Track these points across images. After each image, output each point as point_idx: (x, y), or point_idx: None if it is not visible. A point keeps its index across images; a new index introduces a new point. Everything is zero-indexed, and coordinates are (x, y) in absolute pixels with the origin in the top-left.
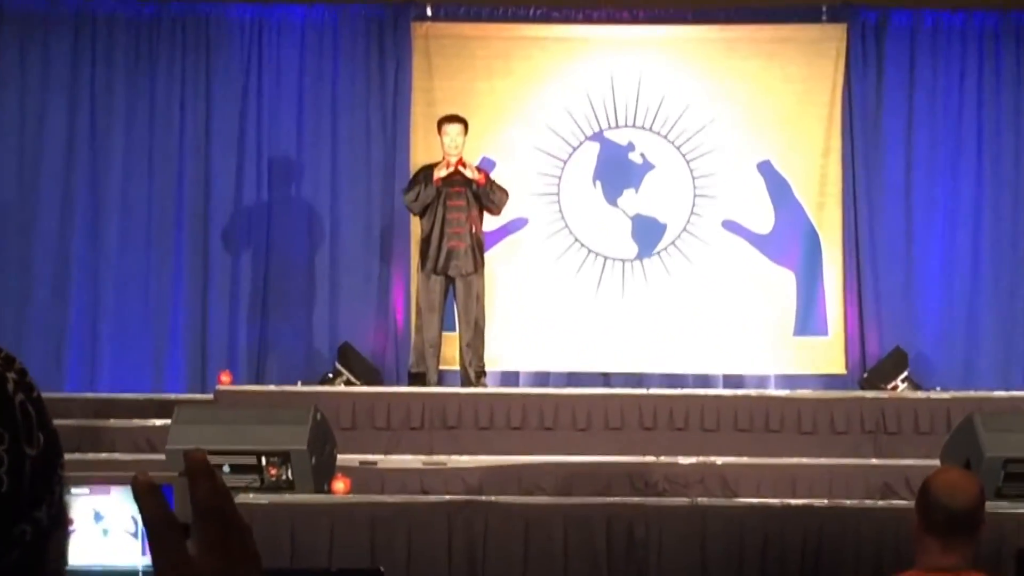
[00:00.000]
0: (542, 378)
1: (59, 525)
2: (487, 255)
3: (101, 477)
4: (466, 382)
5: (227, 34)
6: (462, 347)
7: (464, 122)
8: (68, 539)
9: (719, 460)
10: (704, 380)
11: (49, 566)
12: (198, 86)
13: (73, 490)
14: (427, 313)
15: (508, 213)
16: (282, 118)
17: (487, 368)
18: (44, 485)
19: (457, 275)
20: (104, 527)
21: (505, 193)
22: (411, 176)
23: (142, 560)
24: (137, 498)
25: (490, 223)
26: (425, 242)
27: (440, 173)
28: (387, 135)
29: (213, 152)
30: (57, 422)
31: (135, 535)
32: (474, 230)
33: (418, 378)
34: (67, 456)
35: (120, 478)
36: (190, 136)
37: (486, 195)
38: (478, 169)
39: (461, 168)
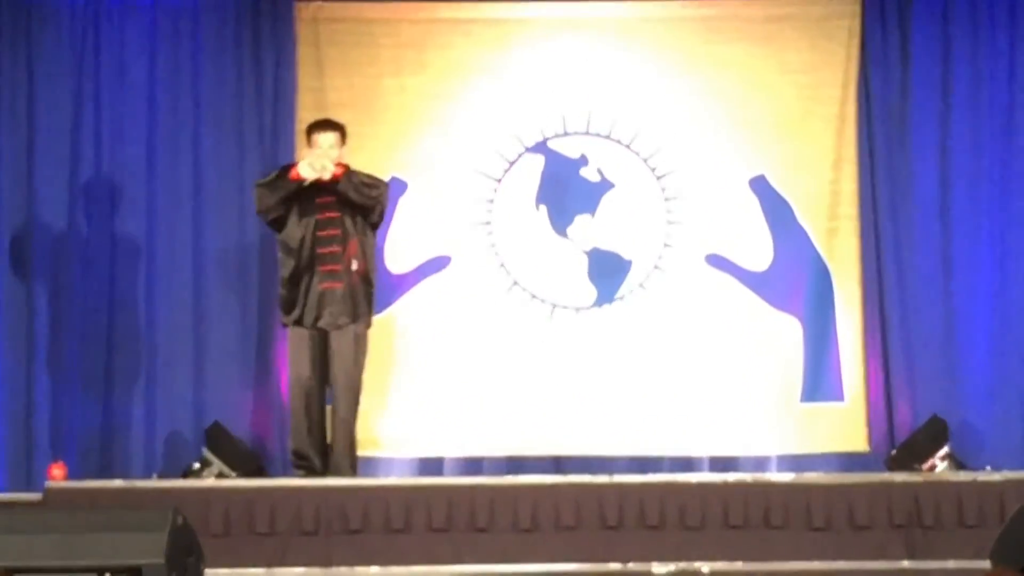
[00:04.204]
0: (473, 465)
1: None
2: (397, 305)
3: None
4: (337, 469)
5: (54, 21)
6: (336, 423)
7: (340, 129)
8: None
9: (705, 567)
10: (685, 464)
11: None
12: (16, 88)
13: None
14: (302, 380)
15: (426, 250)
16: (127, 129)
17: (385, 454)
18: None
19: (331, 327)
20: None
21: (375, 182)
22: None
23: None
24: None
25: (402, 262)
26: (293, 282)
27: (305, 171)
28: (265, 149)
29: (37, 173)
30: None
31: None
32: (355, 266)
33: (304, 461)
34: None
35: None
36: (7, 153)
37: (356, 191)
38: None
39: (333, 179)
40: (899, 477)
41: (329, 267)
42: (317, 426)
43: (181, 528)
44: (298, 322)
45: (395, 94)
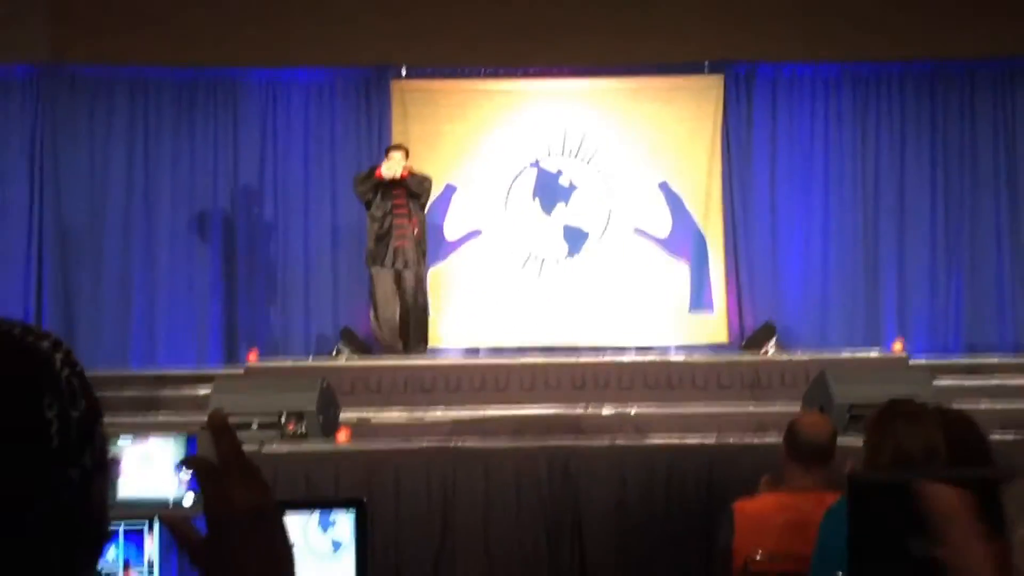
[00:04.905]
0: (497, 351)
1: (101, 469)
2: (450, 259)
3: (146, 428)
4: (417, 354)
5: (248, 93)
6: (412, 324)
7: (405, 149)
8: (110, 479)
9: (633, 410)
10: (620, 350)
11: (94, 499)
12: (227, 133)
13: (120, 441)
14: (387, 300)
15: (464, 226)
16: (292, 156)
17: (445, 345)
18: (87, 439)
19: (403, 267)
20: (150, 466)
21: (425, 178)
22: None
23: (176, 492)
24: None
25: (453, 233)
26: (379, 240)
27: (385, 172)
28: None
29: (239, 185)
30: (124, 392)
31: (175, 472)
32: (415, 232)
33: (388, 347)
34: (131, 419)
35: (160, 431)
36: (222, 173)
37: (415, 184)
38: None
39: (402, 177)
40: (747, 357)
41: (401, 231)
42: (396, 327)
43: (326, 389)
44: (382, 265)
45: (449, 134)
